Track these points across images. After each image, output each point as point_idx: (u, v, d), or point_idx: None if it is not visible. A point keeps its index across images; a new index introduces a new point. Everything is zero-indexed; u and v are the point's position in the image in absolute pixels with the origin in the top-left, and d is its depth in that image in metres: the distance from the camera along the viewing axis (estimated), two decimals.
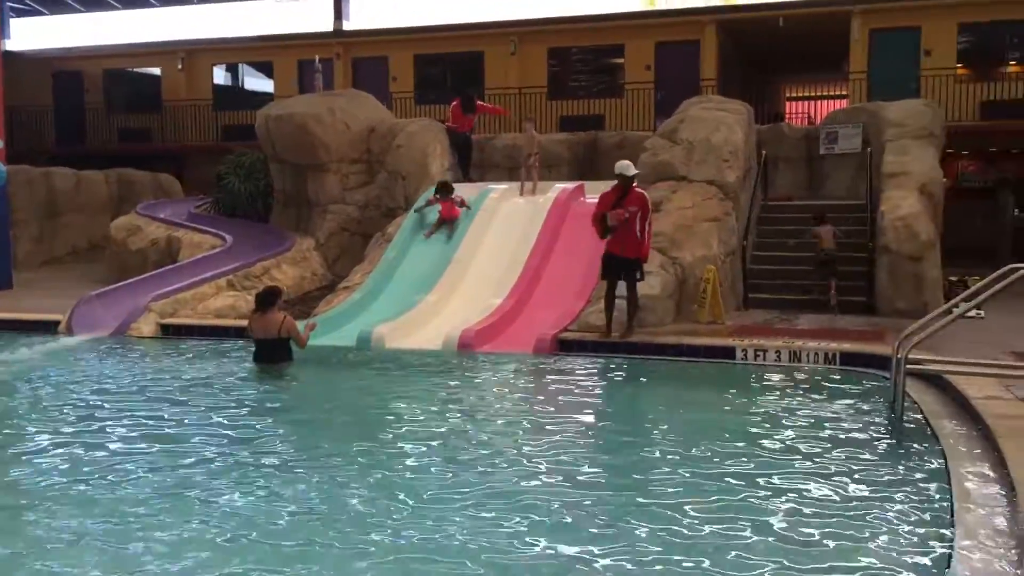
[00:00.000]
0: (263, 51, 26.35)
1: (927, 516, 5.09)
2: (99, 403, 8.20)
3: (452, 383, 9.17)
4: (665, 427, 7.26)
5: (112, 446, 6.73)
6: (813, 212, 13.48)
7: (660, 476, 5.88)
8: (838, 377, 9.00)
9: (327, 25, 25.77)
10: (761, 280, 13.10)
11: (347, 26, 25.64)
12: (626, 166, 10.58)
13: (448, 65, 24.67)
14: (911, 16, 20.82)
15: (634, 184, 10.61)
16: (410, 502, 5.40)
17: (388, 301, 12.23)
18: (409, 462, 6.30)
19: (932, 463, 6.06)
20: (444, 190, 13.66)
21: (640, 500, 5.40)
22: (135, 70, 28.22)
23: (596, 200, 13.61)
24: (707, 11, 22.52)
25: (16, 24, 29.14)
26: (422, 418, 7.64)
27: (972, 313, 9.17)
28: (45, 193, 20.32)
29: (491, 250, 13.02)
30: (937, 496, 5.40)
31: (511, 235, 13.17)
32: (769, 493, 5.51)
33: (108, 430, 7.22)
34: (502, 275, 12.34)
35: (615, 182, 10.64)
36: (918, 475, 5.85)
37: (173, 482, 5.84)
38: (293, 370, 9.58)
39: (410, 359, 10.20)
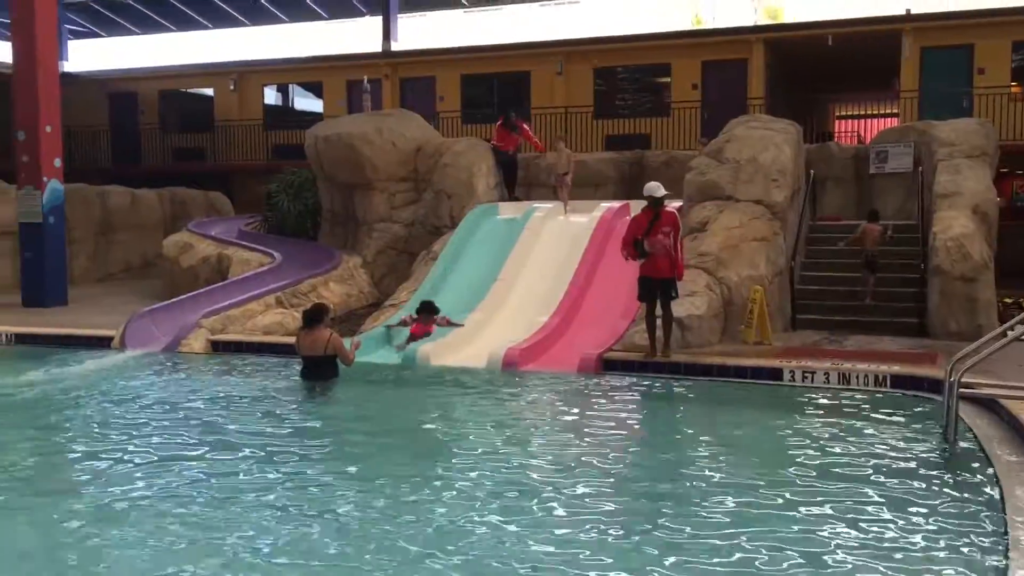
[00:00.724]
0: (313, 72, 26.76)
1: (982, 543, 4.98)
2: (149, 417, 8.34)
3: (496, 401, 9.17)
4: (710, 451, 7.18)
5: (161, 459, 6.84)
6: (868, 211, 13.60)
7: (705, 504, 5.80)
8: (889, 400, 8.84)
9: (376, 46, 26.12)
10: (810, 300, 12.95)
11: (395, 47, 25.96)
12: (655, 187, 10.57)
13: (495, 85, 24.83)
14: (963, 34, 20.53)
15: (664, 205, 10.58)
16: (450, 519, 5.41)
17: None
18: (451, 479, 6.31)
19: (986, 490, 5.92)
20: (427, 311, 11.85)
21: (686, 528, 5.34)
22: (188, 91, 28.83)
23: None
24: (755, 30, 22.42)
25: (74, 46, 29.95)
26: (466, 436, 7.66)
27: None
28: (101, 211, 20.79)
29: (536, 268, 13.04)
30: (991, 524, 5.28)
31: (556, 254, 13.18)
32: (819, 520, 5.42)
33: (156, 444, 7.34)
34: (547, 294, 12.35)
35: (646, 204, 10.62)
36: (972, 502, 5.72)
37: (222, 495, 5.92)
38: (340, 387, 9.66)
39: (455, 377, 10.24)
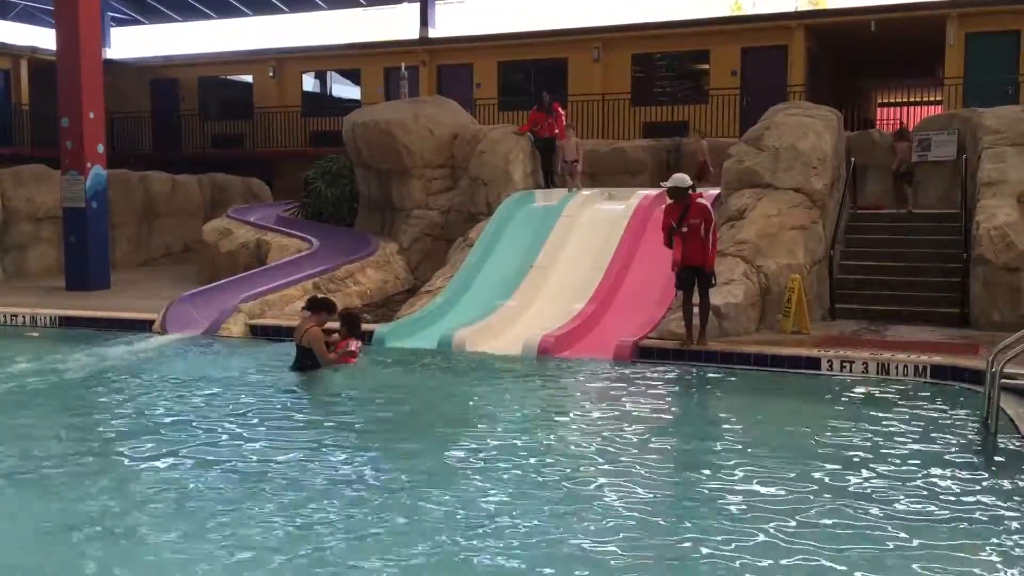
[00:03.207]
0: (351, 59, 26.86)
1: (1021, 538, 4.92)
2: (186, 399, 8.49)
3: (530, 388, 9.21)
4: (744, 441, 7.13)
5: (198, 439, 6.96)
6: (895, 128, 13.67)
7: (739, 494, 5.78)
8: (929, 391, 8.74)
9: (413, 33, 26.16)
10: (849, 290, 12.81)
11: (432, 34, 25.97)
12: (681, 179, 10.55)
13: (532, 71, 24.74)
14: (1009, 20, 20.10)
15: (692, 194, 10.52)
16: (483, 505, 5.45)
17: (469, 305, 12.33)
18: (483, 465, 6.35)
19: None
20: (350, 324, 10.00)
21: (721, 521, 5.33)
22: (228, 78, 29.07)
23: None
24: (795, 16, 22.13)
25: (116, 33, 30.32)
26: (501, 422, 7.69)
27: None
28: (142, 196, 21.07)
29: (572, 256, 13.02)
30: None
31: (593, 241, 13.15)
32: (859, 512, 5.38)
33: (191, 424, 7.47)
34: (583, 281, 12.33)
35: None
36: (1012, 494, 5.65)
37: (255, 474, 6.01)
38: (374, 369, 9.70)
39: (490, 363, 10.27)
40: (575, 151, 15.50)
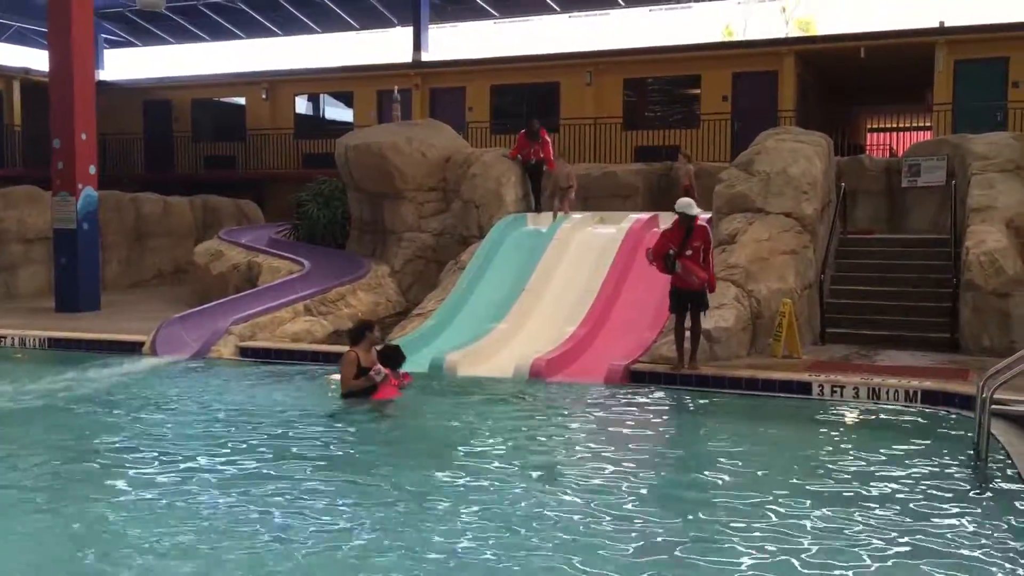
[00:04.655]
0: (344, 82, 26.94)
1: (1012, 568, 4.91)
2: (175, 421, 8.43)
3: (521, 413, 9.17)
4: (735, 466, 7.11)
5: (184, 463, 6.91)
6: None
7: (729, 518, 5.76)
8: (919, 416, 8.74)
9: (406, 56, 26.27)
10: (840, 315, 12.84)
11: (425, 57, 26.09)
12: (687, 204, 10.57)
13: (524, 95, 24.84)
14: (998, 47, 20.29)
15: (696, 220, 10.56)
16: (469, 531, 5.42)
17: (461, 328, 12.32)
18: (471, 490, 6.32)
19: (1018, 509, 5.84)
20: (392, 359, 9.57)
21: (711, 544, 5.31)
22: (221, 100, 29.13)
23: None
24: (786, 41, 22.36)
25: (110, 55, 30.41)
26: (489, 448, 7.66)
27: None
28: (133, 217, 21.03)
29: (564, 279, 13.03)
30: (1021, 546, 5.20)
31: (584, 264, 13.17)
32: (847, 536, 5.37)
33: (178, 446, 7.42)
34: (575, 304, 12.33)
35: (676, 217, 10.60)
36: (1003, 521, 5.64)
37: (238, 499, 5.96)
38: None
39: (482, 386, 10.24)
40: (567, 178, 15.38)
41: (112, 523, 5.57)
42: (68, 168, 16.10)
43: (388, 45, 26.83)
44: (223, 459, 7.11)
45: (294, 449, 7.48)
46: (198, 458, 7.13)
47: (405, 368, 9.74)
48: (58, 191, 16.30)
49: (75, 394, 9.68)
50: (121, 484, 6.45)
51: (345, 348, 9.55)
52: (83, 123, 16.20)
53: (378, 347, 9.46)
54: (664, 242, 10.55)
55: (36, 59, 26.53)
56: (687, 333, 10.40)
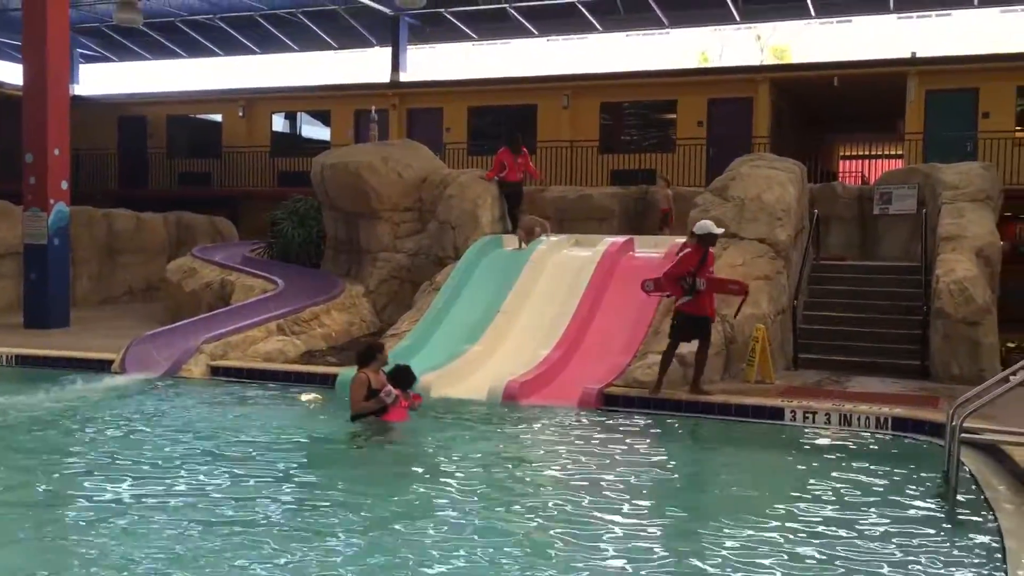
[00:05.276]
0: (321, 100, 26.95)
1: None
2: (144, 440, 8.31)
3: (495, 434, 9.13)
4: (707, 491, 7.14)
5: (148, 485, 6.82)
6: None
7: (699, 544, 5.76)
8: (890, 443, 8.80)
9: (384, 76, 26.33)
10: (812, 340, 12.93)
11: (404, 78, 26.17)
12: (710, 224, 10.50)
13: (501, 117, 24.96)
14: (968, 78, 20.65)
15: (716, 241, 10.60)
16: (437, 551, 5.37)
17: (435, 349, 12.26)
18: (441, 515, 6.27)
19: (986, 539, 5.87)
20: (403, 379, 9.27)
21: (676, 572, 5.30)
22: (197, 116, 29.01)
23: (646, 255, 13.66)
24: (761, 69, 22.61)
25: (85, 70, 30.22)
26: (461, 471, 7.61)
27: None
28: (105, 234, 20.83)
29: (539, 302, 13.02)
30: (990, 572, 5.23)
31: (559, 287, 13.18)
32: (815, 565, 5.37)
33: (146, 469, 7.32)
34: (549, 327, 12.33)
35: (681, 240, 10.56)
36: (971, 551, 5.67)
37: (208, 517, 5.88)
38: (336, 413, 9.57)
39: (455, 408, 10.20)
40: (543, 227, 14.89)
41: (73, 544, 5.47)
42: (40, 183, 15.94)
43: (366, 65, 26.89)
44: (189, 481, 7.02)
45: (260, 469, 7.40)
46: (164, 479, 7.03)
47: None
48: (29, 206, 16.12)
49: (42, 412, 9.52)
50: (83, 504, 6.35)
51: (318, 368, 9.50)
52: (56, 138, 16.06)
53: (385, 368, 9.34)
54: (685, 265, 10.34)
55: (9, 72, 26.35)
56: (690, 358, 10.41)
